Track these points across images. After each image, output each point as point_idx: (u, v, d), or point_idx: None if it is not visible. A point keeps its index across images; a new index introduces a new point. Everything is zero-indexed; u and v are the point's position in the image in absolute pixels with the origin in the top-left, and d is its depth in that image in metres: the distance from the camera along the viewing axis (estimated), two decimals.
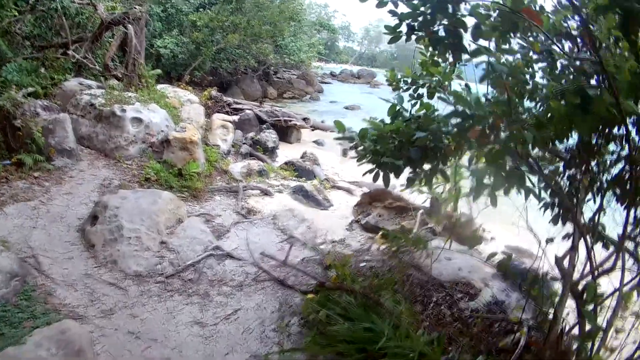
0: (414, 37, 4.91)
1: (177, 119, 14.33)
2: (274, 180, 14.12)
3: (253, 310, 7.38)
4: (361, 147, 5.86)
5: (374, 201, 12.22)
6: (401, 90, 6.37)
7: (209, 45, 27.77)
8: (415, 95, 6.10)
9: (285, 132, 22.69)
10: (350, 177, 17.94)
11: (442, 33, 4.64)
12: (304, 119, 24.25)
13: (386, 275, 7.94)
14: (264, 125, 20.22)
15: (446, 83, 5.86)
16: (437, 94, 5.86)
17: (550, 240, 5.60)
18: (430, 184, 6.48)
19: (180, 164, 11.51)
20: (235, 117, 19.34)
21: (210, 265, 8.25)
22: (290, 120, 22.83)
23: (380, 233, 9.86)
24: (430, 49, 5.51)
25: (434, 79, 5.91)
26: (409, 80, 6.25)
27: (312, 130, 25.55)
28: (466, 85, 5.38)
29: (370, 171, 5.89)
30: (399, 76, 6.45)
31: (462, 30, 4.55)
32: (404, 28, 4.87)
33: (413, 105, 5.92)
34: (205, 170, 12.30)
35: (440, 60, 5.69)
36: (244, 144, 16.68)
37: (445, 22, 4.58)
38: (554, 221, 5.43)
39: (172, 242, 8.28)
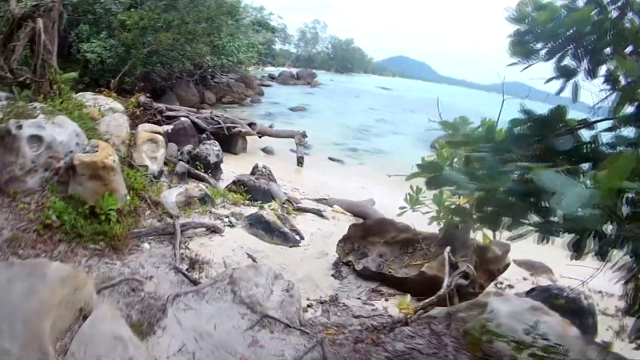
0: None
1: (93, 133, 10.71)
2: (221, 209, 10.85)
3: None
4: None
5: (370, 235, 9.41)
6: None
7: (139, 47, 25.03)
8: None
9: (229, 141, 19.57)
10: (313, 191, 15.18)
11: None
12: (250, 125, 21.12)
13: None
14: (204, 135, 16.89)
15: None
16: None
17: None
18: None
19: (92, 198, 7.92)
20: (168, 127, 15.67)
21: None
22: (234, 127, 19.61)
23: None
24: None
25: None
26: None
27: (260, 137, 22.47)
28: None
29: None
30: None
31: None
32: None
33: None
34: (128, 204, 8.67)
35: None
36: (179, 160, 13.12)
37: None
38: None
39: None
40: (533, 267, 11.73)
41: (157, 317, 5.81)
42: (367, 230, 9.44)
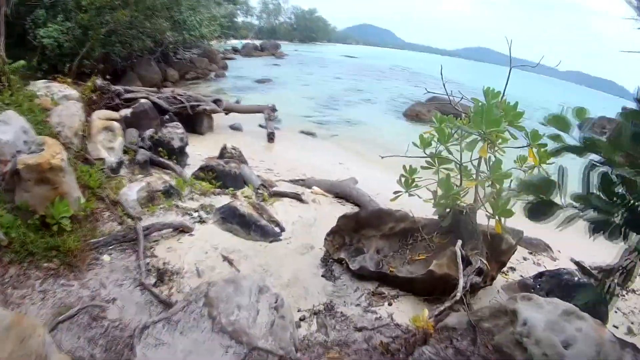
0: None
1: (44, 127, 9.41)
2: (189, 201, 9.69)
3: None
4: None
5: (365, 227, 8.39)
6: None
7: (97, 27, 23.35)
8: None
9: (194, 121, 18.28)
10: (288, 171, 14.35)
11: None
12: (215, 101, 19.68)
13: None
14: (166, 116, 15.58)
15: None
16: None
17: None
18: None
19: (42, 206, 6.72)
20: (127, 111, 14.29)
21: None
22: (199, 105, 18.26)
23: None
24: None
25: None
26: None
27: (226, 114, 21.10)
28: None
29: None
30: None
31: None
32: None
33: None
34: (83, 207, 7.49)
35: None
36: (140, 147, 11.76)
37: None
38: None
39: None
40: (532, 245, 10.99)
41: (124, 357, 4.73)
42: (360, 223, 8.38)
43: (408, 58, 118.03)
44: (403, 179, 8.05)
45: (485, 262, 7.09)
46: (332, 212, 10.78)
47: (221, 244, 8.12)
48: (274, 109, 21.90)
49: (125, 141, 11.72)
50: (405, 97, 40.17)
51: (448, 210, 7.76)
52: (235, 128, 20.60)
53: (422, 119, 30.43)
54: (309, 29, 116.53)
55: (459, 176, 7.84)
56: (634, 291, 9.49)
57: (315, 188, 12.36)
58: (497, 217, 6.83)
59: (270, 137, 19.58)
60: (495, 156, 7.08)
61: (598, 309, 6.68)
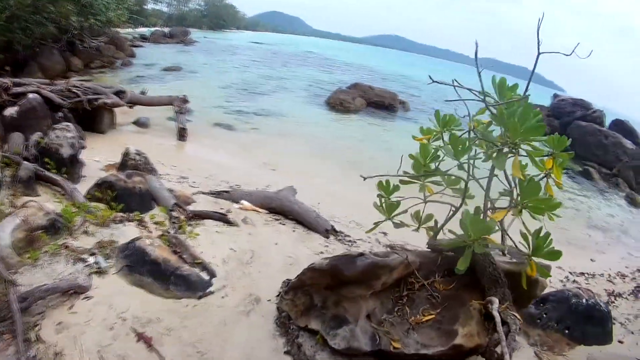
0: None
1: None
2: (83, 237, 6.83)
3: None
4: None
5: (347, 285, 5.64)
6: None
7: None
8: None
9: (93, 117, 15.05)
10: (207, 177, 12.09)
11: None
12: (118, 93, 16.52)
13: None
14: (59, 114, 12.62)
15: None
16: None
17: None
18: None
19: None
20: (14, 110, 11.18)
21: None
22: (98, 99, 15.03)
23: None
24: None
25: None
26: None
27: (131, 107, 17.86)
28: None
29: None
30: None
31: None
32: None
33: None
34: None
35: None
36: (24, 159, 8.82)
37: None
38: None
39: None
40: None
41: None
42: (339, 278, 5.59)
43: (318, 44, 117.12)
44: (383, 202, 6.07)
45: (518, 318, 4.90)
46: (272, 237, 8.44)
47: (131, 308, 5.51)
48: (185, 100, 18.75)
49: (9, 150, 9.13)
50: (321, 83, 38.76)
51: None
52: (141, 124, 17.57)
53: (348, 108, 29.07)
54: (219, 16, 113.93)
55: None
56: (620, 295, 9.60)
57: (245, 203, 9.76)
58: (532, 258, 5.05)
59: (182, 134, 16.73)
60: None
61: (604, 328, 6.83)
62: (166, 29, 71.48)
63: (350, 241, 9.46)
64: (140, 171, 9.73)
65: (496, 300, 4.94)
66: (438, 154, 5.74)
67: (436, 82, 5.75)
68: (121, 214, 7.87)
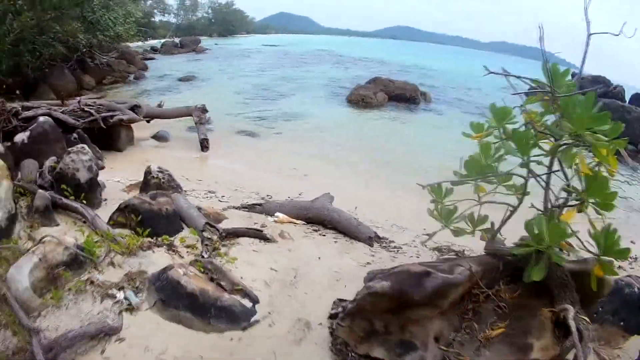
0: None
1: None
2: (109, 270, 6.11)
3: None
4: None
5: (412, 307, 4.89)
6: None
7: (1, 37, 20.19)
8: None
9: (110, 135, 14.37)
10: (235, 189, 11.43)
11: None
12: (133, 108, 15.73)
13: None
14: (74, 136, 11.93)
15: None
16: None
17: None
18: None
19: None
20: (24, 135, 10.43)
21: None
22: (114, 116, 14.33)
23: None
24: None
25: None
26: None
27: (148, 121, 17.22)
28: None
29: None
30: None
31: None
32: None
33: None
34: None
35: None
36: (39, 187, 8.15)
37: None
38: None
39: None
40: None
41: None
42: (404, 301, 4.82)
43: (329, 42, 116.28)
44: (440, 208, 5.79)
45: (589, 322, 4.62)
46: (313, 251, 7.70)
47: (170, 349, 4.86)
48: (204, 110, 17.94)
49: (22, 179, 8.49)
50: (339, 81, 37.98)
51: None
52: (160, 137, 16.90)
53: (370, 104, 28.35)
54: (228, 22, 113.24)
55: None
56: None
57: (280, 215, 9.00)
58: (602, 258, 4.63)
59: (204, 145, 16.02)
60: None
61: None
62: (176, 39, 71.39)
63: (395, 247, 8.70)
64: (165, 190, 8.99)
65: (572, 309, 4.56)
66: (501, 152, 5.37)
67: (492, 72, 5.40)
68: (148, 239, 7.12)
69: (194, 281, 5.60)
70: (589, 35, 4.81)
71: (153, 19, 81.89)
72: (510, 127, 5.37)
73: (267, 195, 11.14)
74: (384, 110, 28.39)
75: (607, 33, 4.81)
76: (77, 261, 5.92)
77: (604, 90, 29.63)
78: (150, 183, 9.35)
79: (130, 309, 5.36)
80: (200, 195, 10.37)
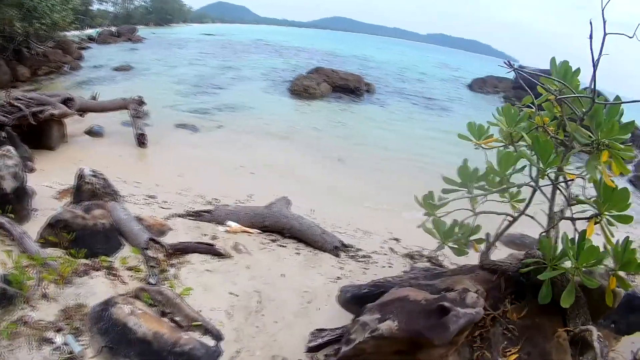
0: None
1: None
2: (42, 305, 4.90)
3: None
4: None
5: (423, 347, 4.11)
6: None
7: None
8: None
9: (40, 132, 12.85)
10: (179, 194, 10.20)
11: None
12: (66, 102, 14.25)
13: None
14: (2, 134, 10.63)
15: None
16: None
17: None
18: None
19: None
20: None
21: None
22: (44, 111, 12.79)
23: None
24: None
25: None
26: None
27: (82, 115, 15.58)
28: None
29: None
30: None
31: None
32: None
33: None
34: None
35: None
36: None
37: None
38: None
39: None
40: (524, 245, 8.57)
41: None
42: (414, 342, 4.03)
43: (266, 32, 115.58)
44: (432, 222, 5.46)
45: (604, 339, 4.42)
46: (275, 267, 6.78)
47: None
48: (140, 102, 16.40)
49: None
50: (279, 70, 37.39)
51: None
52: (95, 133, 15.40)
53: (314, 95, 27.53)
54: (165, 11, 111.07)
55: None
56: None
57: (232, 224, 7.92)
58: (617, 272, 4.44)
59: (141, 141, 14.66)
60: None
61: None
62: (113, 29, 69.22)
63: (364, 256, 7.86)
64: (100, 197, 7.81)
65: (595, 330, 4.34)
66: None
67: (514, 69, 4.91)
68: (84, 261, 5.97)
69: (144, 322, 4.50)
70: (605, 35, 4.27)
71: (91, 8, 79.72)
72: (521, 132, 4.97)
73: (214, 199, 10.03)
74: (328, 101, 27.69)
75: (622, 34, 4.32)
76: (6, 296, 4.74)
77: None
78: (84, 189, 8.08)
79: (72, 358, 4.23)
80: (140, 201, 9.16)
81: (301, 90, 27.62)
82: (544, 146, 4.50)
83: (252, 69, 37.77)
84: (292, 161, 14.87)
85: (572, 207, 5.03)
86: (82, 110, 15.51)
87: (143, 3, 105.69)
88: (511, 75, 35.18)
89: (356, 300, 5.73)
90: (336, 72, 31.52)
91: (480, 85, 39.76)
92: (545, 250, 4.63)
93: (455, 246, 5.32)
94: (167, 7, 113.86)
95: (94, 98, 17.11)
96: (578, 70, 4.81)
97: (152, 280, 5.68)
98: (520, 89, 32.17)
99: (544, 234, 5.05)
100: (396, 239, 8.97)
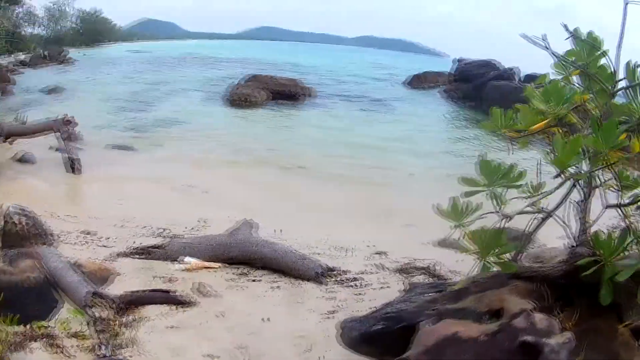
0: None
1: None
2: None
3: None
4: None
5: None
6: None
7: None
8: None
9: None
10: (122, 227, 8.61)
11: None
12: None
13: None
14: None
15: None
16: None
17: None
18: None
19: None
20: None
21: None
22: None
23: None
24: None
25: None
26: None
27: (11, 142, 14.08)
28: None
29: None
30: None
31: None
32: None
33: None
34: None
35: None
36: None
37: None
38: None
39: None
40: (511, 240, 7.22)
41: None
42: None
43: (196, 46, 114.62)
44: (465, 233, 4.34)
45: None
46: (254, 310, 5.59)
47: None
48: (68, 121, 14.39)
49: None
50: (212, 81, 36.93)
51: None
52: (25, 160, 13.78)
53: (254, 103, 26.74)
54: (96, 32, 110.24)
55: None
56: None
57: (191, 260, 6.50)
58: None
59: (75, 167, 13.00)
60: None
61: None
62: (46, 52, 68.02)
63: (354, 279, 6.78)
64: (29, 240, 6.31)
65: None
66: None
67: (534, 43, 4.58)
68: (15, 329, 4.59)
69: None
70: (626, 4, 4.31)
71: (22, 32, 77.73)
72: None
73: (163, 230, 8.47)
74: (268, 108, 26.88)
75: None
76: None
77: (496, 74, 30.77)
78: (10, 232, 6.55)
79: None
80: (76, 239, 7.61)
81: (240, 99, 26.74)
82: (607, 128, 3.89)
83: (185, 82, 36.86)
84: (241, 174, 13.65)
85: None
86: (10, 136, 14.03)
87: (74, 25, 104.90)
88: (447, 68, 35.69)
89: (367, 340, 4.65)
90: (274, 79, 30.81)
91: (421, 81, 39.65)
92: (603, 246, 4.08)
93: (499, 260, 4.36)
94: (98, 27, 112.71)
95: (23, 123, 15.48)
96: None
97: (104, 351, 4.27)
98: (461, 81, 32.28)
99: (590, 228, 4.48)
100: (381, 253, 7.91)
